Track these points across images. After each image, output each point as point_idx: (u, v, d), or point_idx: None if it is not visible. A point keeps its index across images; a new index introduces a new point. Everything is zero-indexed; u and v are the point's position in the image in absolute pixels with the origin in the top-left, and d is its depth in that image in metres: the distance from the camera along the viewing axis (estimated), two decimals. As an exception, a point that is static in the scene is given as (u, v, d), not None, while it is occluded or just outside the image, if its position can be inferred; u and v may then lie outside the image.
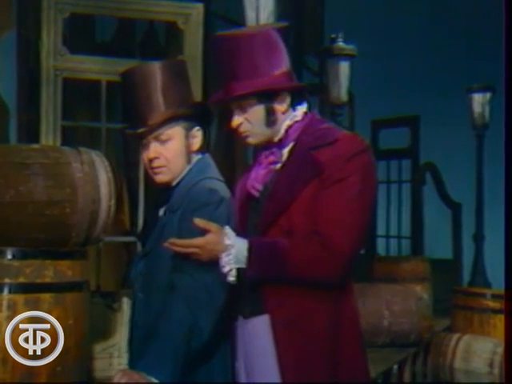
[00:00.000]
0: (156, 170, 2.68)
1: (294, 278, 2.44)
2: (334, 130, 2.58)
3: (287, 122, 2.59)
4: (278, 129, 2.58)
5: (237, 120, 2.58)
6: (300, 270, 2.43)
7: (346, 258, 2.43)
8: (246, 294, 2.55)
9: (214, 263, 2.46)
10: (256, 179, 2.60)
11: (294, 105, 2.60)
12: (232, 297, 2.56)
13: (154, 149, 2.65)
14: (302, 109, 2.62)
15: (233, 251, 2.42)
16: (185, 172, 2.69)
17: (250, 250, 2.42)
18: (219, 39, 2.60)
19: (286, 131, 2.58)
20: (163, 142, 2.65)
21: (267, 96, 2.55)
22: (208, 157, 2.76)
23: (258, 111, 2.56)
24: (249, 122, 2.57)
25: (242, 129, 2.58)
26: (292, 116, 2.59)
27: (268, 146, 2.61)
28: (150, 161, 2.67)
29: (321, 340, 2.47)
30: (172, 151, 2.66)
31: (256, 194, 2.59)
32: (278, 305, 2.48)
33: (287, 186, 2.49)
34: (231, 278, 2.44)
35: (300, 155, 2.53)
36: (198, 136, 2.71)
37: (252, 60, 2.53)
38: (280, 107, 2.57)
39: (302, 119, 2.60)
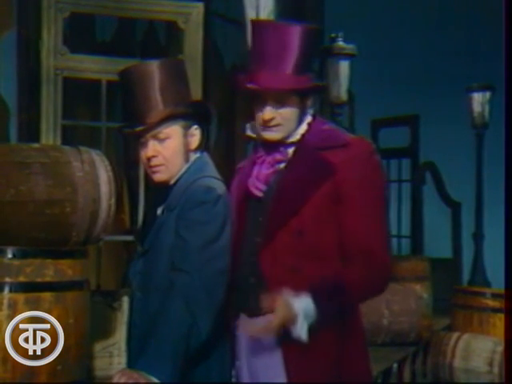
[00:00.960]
0: (154, 169, 2.68)
1: (356, 301, 2.54)
2: (339, 131, 2.60)
3: (303, 127, 2.59)
4: (296, 131, 2.59)
5: (271, 113, 2.53)
6: (360, 293, 2.50)
7: (391, 269, 2.51)
8: (250, 293, 2.55)
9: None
10: (258, 178, 2.59)
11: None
12: (232, 295, 2.56)
13: (152, 147, 2.65)
14: (311, 111, 2.63)
15: (302, 315, 2.39)
16: (183, 171, 2.69)
17: (314, 300, 2.41)
18: (268, 26, 2.59)
19: (303, 135, 2.59)
20: (161, 140, 2.65)
21: (306, 94, 2.56)
22: (206, 155, 2.76)
23: (296, 108, 2.56)
24: (282, 117, 2.54)
25: (273, 123, 2.54)
26: (306, 121, 2.60)
27: (273, 144, 2.60)
28: (148, 159, 2.67)
29: (327, 339, 2.48)
30: (170, 150, 2.66)
31: (259, 193, 2.58)
32: None
33: (298, 187, 2.49)
34: (305, 336, 2.41)
35: (307, 155, 2.52)
36: (196, 134, 2.71)
37: (303, 55, 2.52)
38: (308, 106, 2.59)
39: (311, 121, 2.61)
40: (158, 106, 2.64)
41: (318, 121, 2.63)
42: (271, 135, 2.56)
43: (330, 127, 2.63)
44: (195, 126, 2.71)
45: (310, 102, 2.60)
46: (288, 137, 2.58)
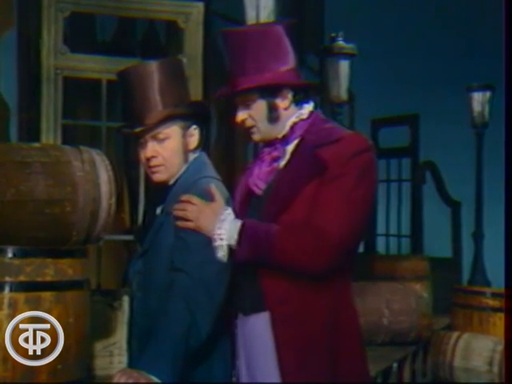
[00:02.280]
0: (153, 169, 2.68)
1: (281, 263, 2.44)
2: (337, 129, 2.59)
3: (293, 119, 2.60)
4: (283, 125, 2.59)
5: (241, 116, 2.60)
6: (287, 256, 2.42)
7: (335, 251, 2.41)
8: (245, 291, 2.55)
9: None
10: (259, 177, 2.61)
11: (300, 103, 2.61)
12: (231, 294, 2.57)
13: (151, 148, 2.66)
14: (308, 107, 2.63)
15: (225, 226, 2.47)
16: (182, 171, 2.70)
17: (242, 229, 2.46)
18: (226, 35, 2.62)
19: (291, 128, 2.59)
20: (160, 140, 2.66)
21: (269, 92, 2.56)
22: (204, 155, 2.77)
23: (260, 107, 2.57)
24: (252, 118, 2.59)
25: (246, 124, 2.60)
26: (298, 114, 2.60)
27: (271, 142, 2.62)
28: (148, 160, 2.68)
29: (320, 337, 2.47)
30: (169, 150, 2.67)
31: (259, 192, 2.59)
32: (279, 302, 2.48)
33: (292, 185, 2.50)
34: (220, 254, 2.49)
35: (304, 154, 2.53)
36: (195, 135, 2.72)
37: (257, 56, 2.55)
38: (282, 103, 2.58)
39: (308, 117, 2.61)
40: (157, 106, 2.65)
41: (320, 119, 2.63)
42: (253, 137, 2.62)
43: (332, 126, 2.63)
44: (194, 126, 2.71)
45: (286, 96, 2.58)
46: (278, 133, 2.59)
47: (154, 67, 2.68)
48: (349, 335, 2.53)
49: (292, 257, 2.42)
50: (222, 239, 2.47)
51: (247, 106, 2.58)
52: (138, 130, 2.65)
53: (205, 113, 2.78)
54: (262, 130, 2.59)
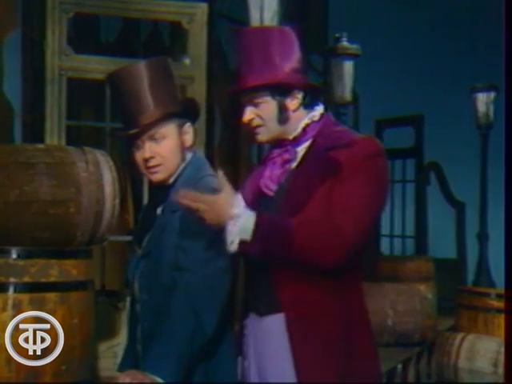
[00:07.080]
0: (152, 170, 2.67)
1: (296, 256, 2.42)
2: (349, 132, 2.59)
3: (305, 121, 2.59)
4: (294, 127, 2.59)
5: (248, 115, 2.57)
6: (303, 249, 2.40)
7: (349, 248, 2.42)
8: (259, 292, 2.55)
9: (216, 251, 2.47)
10: (271, 178, 2.60)
11: (311, 105, 2.61)
12: (242, 295, 2.57)
13: (149, 148, 2.64)
14: (319, 109, 2.62)
15: (239, 221, 2.38)
16: (180, 169, 2.69)
17: (257, 224, 2.39)
18: (238, 33, 2.63)
19: (304, 129, 2.59)
20: (158, 140, 2.64)
21: (280, 92, 2.55)
22: (201, 153, 2.76)
23: (270, 107, 2.56)
24: (260, 117, 2.56)
25: (253, 124, 2.57)
26: (310, 115, 2.60)
27: (282, 143, 2.61)
28: (146, 161, 2.66)
29: (335, 337, 2.48)
30: (167, 149, 2.66)
31: (270, 193, 2.59)
32: (294, 303, 2.48)
33: (305, 185, 2.49)
34: (232, 249, 2.40)
35: (316, 156, 2.53)
36: (189, 132, 2.72)
37: (269, 55, 2.54)
38: (291, 104, 2.57)
39: (319, 120, 2.61)
40: (151, 106, 2.64)
41: (331, 122, 2.63)
42: (258, 138, 2.60)
43: (342, 129, 2.63)
44: (188, 124, 2.71)
45: (296, 97, 2.57)
46: (286, 134, 2.58)
47: (142, 67, 2.67)
48: (362, 335, 2.53)
49: (308, 250, 2.41)
50: (234, 234, 2.38)
51: (256, 105, 2.57)
52: (133, 131, 2.63)
53: (196, 110, 2.78)
54: (271, 130, 2.58)
